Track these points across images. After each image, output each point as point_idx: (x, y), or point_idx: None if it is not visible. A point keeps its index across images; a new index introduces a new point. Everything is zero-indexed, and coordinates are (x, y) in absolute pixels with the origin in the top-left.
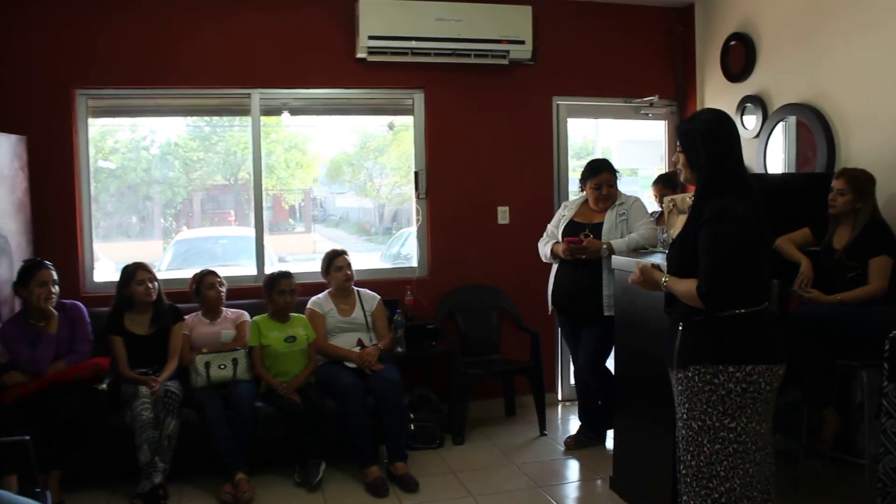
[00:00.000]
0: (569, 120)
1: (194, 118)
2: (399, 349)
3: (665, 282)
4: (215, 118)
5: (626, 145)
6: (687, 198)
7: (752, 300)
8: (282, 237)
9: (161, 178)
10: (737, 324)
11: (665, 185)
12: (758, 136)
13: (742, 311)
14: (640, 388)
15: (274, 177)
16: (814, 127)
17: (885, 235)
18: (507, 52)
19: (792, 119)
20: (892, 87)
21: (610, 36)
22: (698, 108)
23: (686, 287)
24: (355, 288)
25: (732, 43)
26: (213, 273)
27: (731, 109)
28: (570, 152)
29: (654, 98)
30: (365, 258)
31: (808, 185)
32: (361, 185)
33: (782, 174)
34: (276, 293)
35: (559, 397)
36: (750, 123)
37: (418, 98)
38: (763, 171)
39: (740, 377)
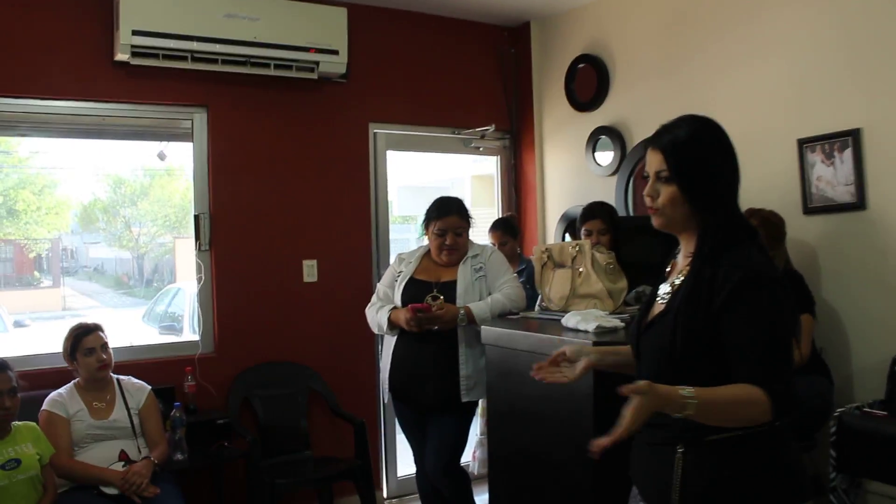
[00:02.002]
0: (388, 153)
1: None
2: (179, 456)
3: (693, 399)
4: None
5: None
6: (568, 247)
7: None
8: (23, 293)
9: None
10: (777, 441)
11: (504, 230)
12: (615, 172)
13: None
14: (527, 501)
15: (14, 223)
16: None
17: (801, 290)
18: (317, 63)
19: None
20: (777, 120)
21: (437, 54)
22: (537, 141)
23: (742, 393)
24: (114, 377)
25: (580, 66)
26: None
27: (579, 142)
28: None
29: (489, 128)
30: (124, 315)
31: None
32: (118, 234)
33: None
34: None
35: (385, 494)
36: (604, 159)
37: (200, 118)
38: (626, 213)
39: None
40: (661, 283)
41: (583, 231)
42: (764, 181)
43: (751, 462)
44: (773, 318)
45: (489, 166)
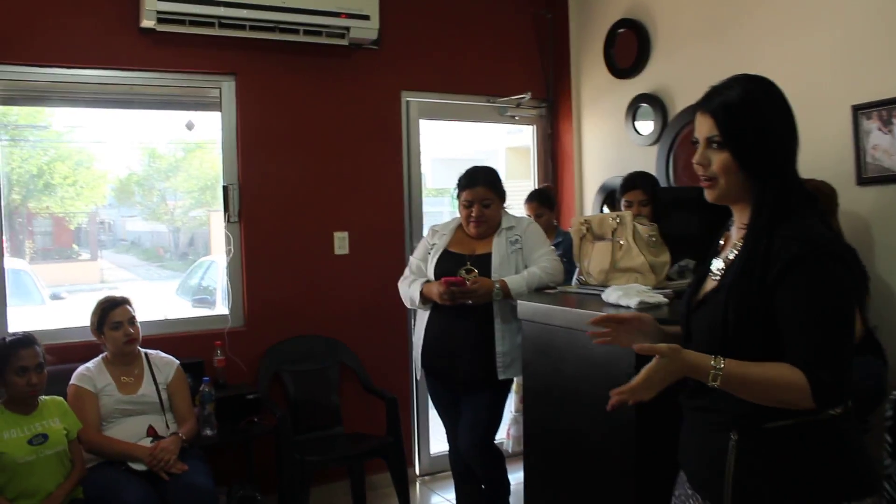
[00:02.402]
0: (421, 122)
1: None
2: (208, 432)
3: (720, 370)
4: None
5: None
6: (608, 219)
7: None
8: (62, 265)
9: None
10: (840, 431)
11: (542, 202)
12: (657, 141)
13: (838, 410)
14: (565, 483)
15: (51, 197)
16: None
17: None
18: (348, 29)
19: None
20: (830, 85)
21: (471, 19)
22: (575, 109)
23: (777, 375)
24: (142, 351)
25: (620, 31)
26: None
27: (619, 110)
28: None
29: (525, 96)
30: (160, 287)
31: None
32: (154, 207)
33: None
34: (10, 372)
35: (417, 472)
36: (645, 128)
37: (228, 87)
38: (668, 185)
39: None
40: (712, 257)
41: (623, 202)
42: (815, 150)
43: (811, 453)
44: (829, 296)
45: (524, 138)
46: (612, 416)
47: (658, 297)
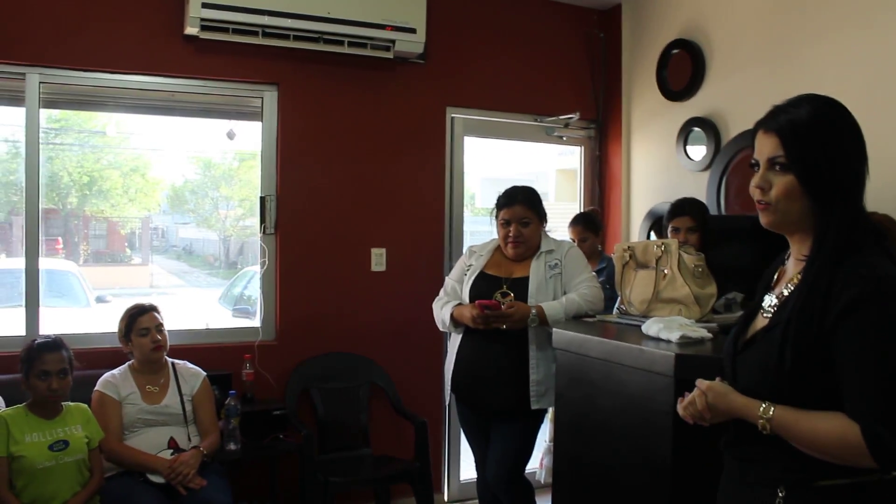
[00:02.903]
0: (465, 139)
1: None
2: (232, 446)
3: (769, 417)
4: None
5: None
6: (653, 246)
7: None
8: (114, 269)
9: None
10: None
11: (586, 225)
12: (708, 167)
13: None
14: None
15: (107, 202)
16: None
17: None
18: (393, 41)
19: None
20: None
21: (521, 36)
22: (624, 131)
23: (830, 428)
24: (170, 360)
25: (674, 52)
26: None
27: (670, 134)
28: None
29: (574, 116)
30: (207, 294)
31: None
32: (206, 215)
33: (753, 217)
34: (34, 375)
35: (445, 498)
36: (697, 153)
37: (270, 97)
38: (718, 213)
39: None
40: (764, 292)
41: (670, 228)
42: (878, 182)
43: None
44: (893, 344)
45: (575, 160)
46: (647, 456)
47: (701, 332)
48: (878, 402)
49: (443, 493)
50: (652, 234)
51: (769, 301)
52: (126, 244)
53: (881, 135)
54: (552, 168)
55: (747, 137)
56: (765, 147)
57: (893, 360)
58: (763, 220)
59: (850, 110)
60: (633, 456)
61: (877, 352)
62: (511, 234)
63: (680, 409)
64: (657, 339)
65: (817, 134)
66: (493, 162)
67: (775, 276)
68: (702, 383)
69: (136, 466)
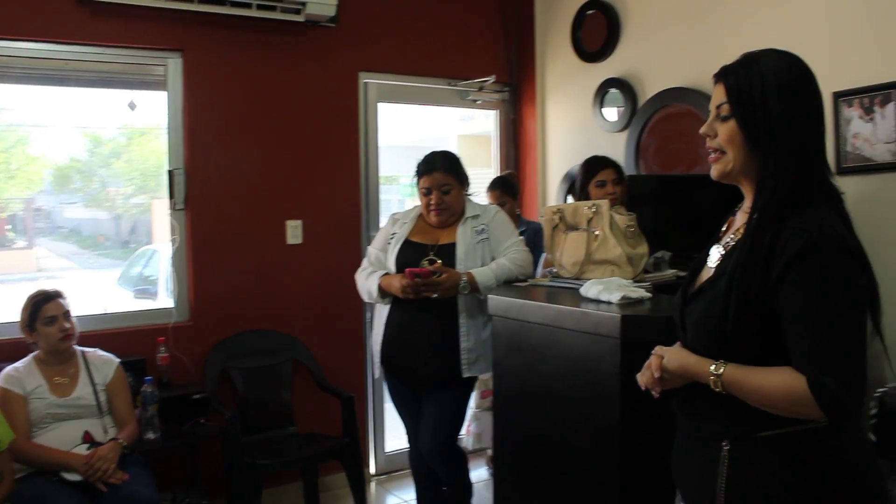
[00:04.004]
0: (379, 105)
1: None
2: (151, 435)
3: (719, 375)
4: None
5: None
6: (583, 207)
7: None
8: None
9: None
10: (841, 442)
11: (504, 189)
12: (625, 128)
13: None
14: (538, 492)
15: None
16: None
17: None
18: (304, 3)
19: (676, 108)
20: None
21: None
22: (539, 94)
23: (777, 383)
24: (78, 349)
25: (589, 13)
26: None
27: (586, 96)
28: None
29: (489, 80)
30: (100, 276)
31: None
32: (94, 194)
33: (679, 175)
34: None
35: (372, 471)
36: (613, 115)
37: (174, 64)
38: (636, 173)
39: None
40: (712, 244)
41: (594, 183)
42: None
43: (810, 464)
44: (837, 296)
45: (478, 125)
46: (593, 418)
47: (640, 292)
48: (822, 353)
49: (370, 467)
50: (569, 196)
51: (716, 252)
52: (8, 227)
53: None
54: (454, 134)
55: (664, 97)
56: (714, 96)
57: (836, 311)
58: (713, 171)
59: None
60: (578, 419)
61: (820, 303)
62: (433, 202)
63: (638, 376)
64: (597, 301)
65: (758, 80)
66: (394, 130)
67: (724, 227)
68: (659, 348)
69: (48, 465)
